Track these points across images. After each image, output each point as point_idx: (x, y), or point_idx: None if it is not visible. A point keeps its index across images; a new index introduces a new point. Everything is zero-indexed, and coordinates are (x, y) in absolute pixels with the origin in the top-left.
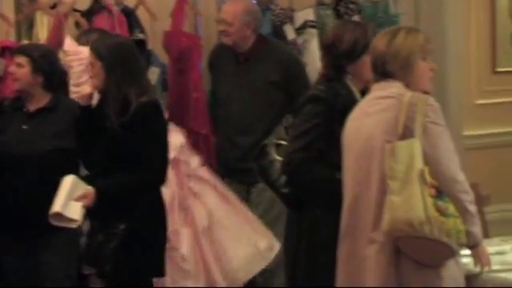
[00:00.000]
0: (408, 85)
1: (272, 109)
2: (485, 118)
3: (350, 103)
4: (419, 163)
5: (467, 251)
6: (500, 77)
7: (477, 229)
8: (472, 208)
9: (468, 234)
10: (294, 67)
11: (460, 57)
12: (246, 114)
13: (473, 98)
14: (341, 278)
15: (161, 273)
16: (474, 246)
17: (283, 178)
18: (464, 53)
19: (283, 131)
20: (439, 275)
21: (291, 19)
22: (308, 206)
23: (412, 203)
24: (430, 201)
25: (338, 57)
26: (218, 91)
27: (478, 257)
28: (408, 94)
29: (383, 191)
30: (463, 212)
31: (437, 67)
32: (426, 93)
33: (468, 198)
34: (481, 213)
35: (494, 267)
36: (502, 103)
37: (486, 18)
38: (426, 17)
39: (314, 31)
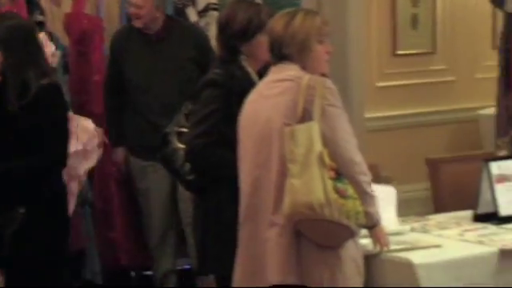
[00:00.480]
0: (305, 67)
1: (191, 84)
2: (386, 101)
3: (246, 85)
4: (318, 146)
5: (366, 232)
6: (400, 59)
7: (374, 209)
8: (370, 189)
9: (366, 214)
10: (206, 41)
11: (361, 39)
12: (168, 93)
13: (374, 80)
14: (241, 261)
15: (61, 258)
16: (372, 227)
17: (187, 166)
18: (365, 35)
19: (183, 118)
20: (339, 256)
21: (193, 2)
22: (213, 190)
23: (312, 186)
24: (329, 183)
25: (232, 37)
26: (133, 76)
27: (377, 237)
28: (306, 77)
29: (283, 174)
30: (361, 193)
31: (338, 50)
32: (323, 75)
33: (365, 179)
34: None
35: (393, 247)
36: (403, 85)
37: (387, 1)
38: (327, 0)
39: (216, 14)
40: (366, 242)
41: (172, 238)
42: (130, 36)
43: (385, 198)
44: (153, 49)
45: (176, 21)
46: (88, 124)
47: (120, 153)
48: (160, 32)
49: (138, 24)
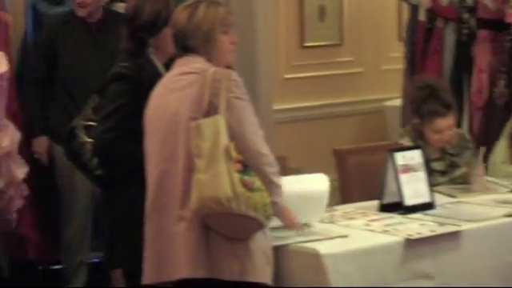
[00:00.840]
0: (210, 59)
1: None
2: (294, 92)
3: (155, 78)
4: (224, 140)
5: (278, 222)
6: (308, 51)
7: (281, 199)
8: (276, 179)
9: (273, 204)
10: None
11: (268, 31)
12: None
13: (282, 72)
14: (148, 254)
15: None
16: (279, 216)
17: (95, 160)
18: (272, 27)
19: (91, 112)
20: (248, 248)
21: None
22: (122, 184)
23: (219, 181)
24: (236, 177)
25: (139, 29)
26: (70, 63)
27: (288, 221)
28: (211, 70)
29: (190, 168)
30: (268, 184)
31: (246, 42)
32: (228, 67)
33: (272, 170)
34: None
35: (300, 238)
36: (311, 77)
37: None
38: None
39: (123, 6)
40: (284, 234)
41: (90, 230)
42: (69, 24)
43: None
44: (92, 38)
45: (111, 11)
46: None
47: (43, 142)
48: (99, 22)
49: (82, 13)
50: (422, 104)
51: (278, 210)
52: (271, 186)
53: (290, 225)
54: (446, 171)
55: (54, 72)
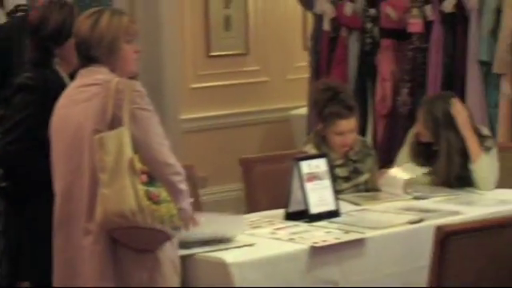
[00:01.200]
0: (114, 69)
1: None
2: (200, 102)
3: (60, 89)
4: (128, 152)
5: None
6: (214, 61)
7: (187, 205)
8: (183, 186)
9: (180, 210)
10: None
11: (174, 41)
12: None
13: (188, 81)
14: (57, 267)
15: None
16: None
17: (0, 172)
18: (178, 37)
19: None
20: (157, 258)
21: (1, 3)
22: (30, 197)
23: (123, 194)
24: (141, 190)
25: (45, 39)
26: None
27: (187, 220)
28: (114, 81)
29: (95, 182)
30: (175, 192)
31: (152, 52)
32: (133, 77)
33: (179, 178)
34: (196, 195)
35: (207, 248)
36: (217, 87)
37: (200, 3)
38: (140, 1)
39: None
40: (192, 243)
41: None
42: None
43: None
44: None
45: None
46: None
47: None
48: None
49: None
50: (325, 106)
51: (185, 217)
52: (177, 194)
53: (189, 222)
54: (349, 177)
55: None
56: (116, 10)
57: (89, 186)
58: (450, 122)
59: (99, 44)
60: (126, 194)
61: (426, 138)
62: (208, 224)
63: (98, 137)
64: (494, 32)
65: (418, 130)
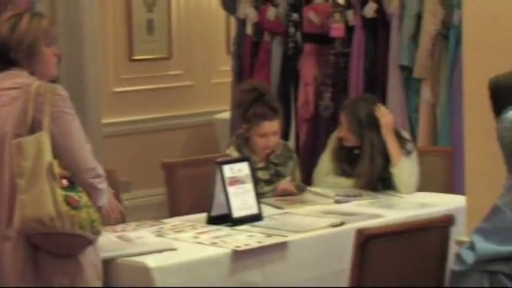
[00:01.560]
0: (34, 72)
1: None
2: (123, 106)
3: None
4: (47, 157)
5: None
6: (137, 64)
7: (105, 202)
8: (102, 186)
9: (100, 209)
10: None
11: (96, 44)
12: None
13: (111, 85)
14: None
15: None
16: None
17: None
18: (100, 41)
19: None
20: (79, 263)
21: None
22: None
23: (41, 200)
24: (60, 195)
25: None
26: None
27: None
28: (35, 84)
29: (15, 188)
30: (95, 193)
31: (73, 56)
32: (53, 81)
33: (99, 180)
34: (119, 199)
35: (130, 251)
36: (140, 91)
37: (122, 6)
38: (61, 4)
39: None
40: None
41: None
42: None
43: None
44: None
45: None
46: None
47: None
48: None
49: None
50: (250, 107)
51: (105, 213)
52: (97, 194)
53: (110, 212)
54: (270, 180)
55: None
56: (36, 13)
57: (9, 192)
58: (373, 123)
59: (19, 47)
60: (44, 200)
61: (350, 141)
62: (133, 246)
63: (15, 142)
64: (415, 37)
65: (342, 133)
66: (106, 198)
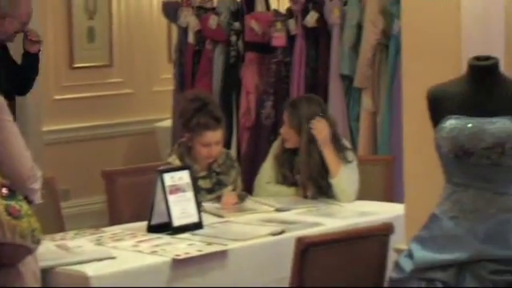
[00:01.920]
0: None
1: None
2: (63, 113)
3: None
4: None
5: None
6: (77, 72)
7: (39, 198)
8: (38, 186)
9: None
10: None
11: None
12: None
13: (51, 93)
14: None
15: None
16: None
17: None
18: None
19: None
20: (19, 272)
21: None
22: None
23: None
24: (1, 205)
25: None
26: None
27: None
28: None
29: None
30: (31, 193)
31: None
32: None
33: (38, 184)
34: (58, 208)
35: (68, 260)
36: (81, 98)
37: (63, 13)
38: None
39: None
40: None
41: None
42: None
43: None
44: None
45: None
46: None
47: None
48: None
49: None
50: (193, 116)
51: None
52: (33, 193)
53: None
54: (212, 189)
55: None
56: None
57: None
58: (312, 118)
59: None
60: None
61: (291, 141)
62: (72, 255)
63: None
64: (356, 47)
65: (284, 131)
66: (39, 194)
